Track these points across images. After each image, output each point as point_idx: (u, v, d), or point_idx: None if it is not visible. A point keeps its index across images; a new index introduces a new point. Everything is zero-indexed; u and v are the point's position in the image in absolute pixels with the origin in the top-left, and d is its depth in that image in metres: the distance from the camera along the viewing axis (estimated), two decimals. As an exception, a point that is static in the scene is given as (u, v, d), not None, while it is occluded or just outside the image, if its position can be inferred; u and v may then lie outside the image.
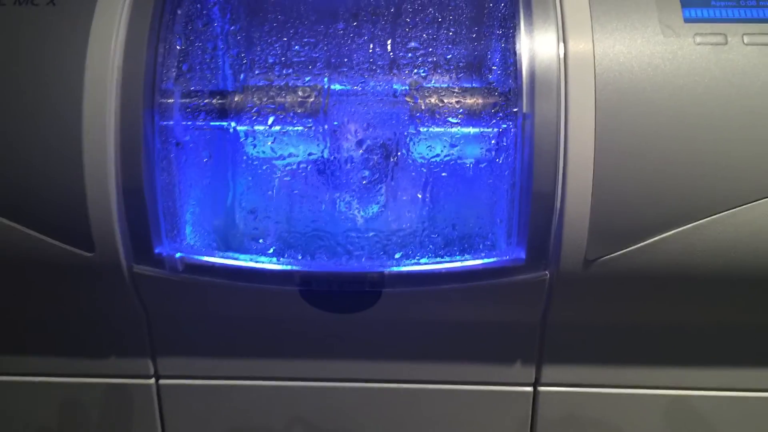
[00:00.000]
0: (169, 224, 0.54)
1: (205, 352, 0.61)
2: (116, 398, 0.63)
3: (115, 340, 0.61)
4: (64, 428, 0.65)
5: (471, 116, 0.53)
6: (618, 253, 0.51)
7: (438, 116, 0.54)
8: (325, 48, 0.56)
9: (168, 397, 0.63)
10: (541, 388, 0.61)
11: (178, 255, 0.54)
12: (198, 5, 0.55)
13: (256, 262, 0.55)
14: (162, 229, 0.53)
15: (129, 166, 0.51)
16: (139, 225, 0.53)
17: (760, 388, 0.61)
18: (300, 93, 0.55)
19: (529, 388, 0.61)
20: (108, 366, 0.62)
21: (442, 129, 0.54)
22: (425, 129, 0.55)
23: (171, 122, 0.53)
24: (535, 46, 0.51)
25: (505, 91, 0.52)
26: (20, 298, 0.59)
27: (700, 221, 0.50)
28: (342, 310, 0.57)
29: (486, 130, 0.53)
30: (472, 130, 0.54)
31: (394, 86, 0.54)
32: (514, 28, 0.52)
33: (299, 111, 0.55)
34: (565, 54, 0.51)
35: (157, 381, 0.62)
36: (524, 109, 0.50)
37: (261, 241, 0.56)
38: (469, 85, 0.55)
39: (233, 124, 0.55)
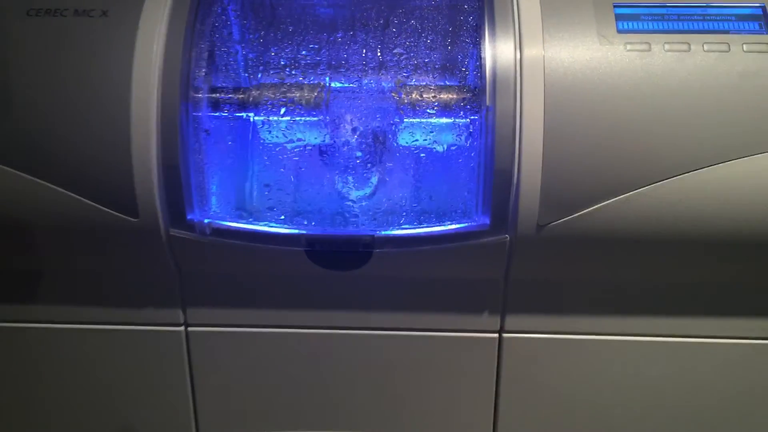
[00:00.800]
0: (199, 196, 0.66)
1: (227, 303, 0.73)
2: (151, 344, 0.75)
3: (150, 293, 0.73)
4: (102, 371, 0.77)
5: (445, 109, 0.65)
6: (564, 219, 0.64)
7: (418, 109, 0.66)
8: (327, 52, 0.68)
9: (195, 343, 0.75)
10: (505, 335, 0.73)
11: (206, 221, 0.66)
12: (223, 17, 0.67)
13: (270, 227, 0.67)
14: (194, 200, 0.66)
15: (167, 148, 0.64)
16: (175, 196, 0.65)
17: (680, 334, 0.73)
18: (306, 89, 0.67)
19: (495, 335, 0.73)
20: (144, 315, 0.74)
21: (422, 119, 0.67)
22: (408, 119, 0.67)
23: (201, 113, 0.66)
24: (497, 52, 0.63)
25: (473, 88, 0.64)
26: (72, 257, 0.71)
27: (629, 193, 0.62)
28: (339, 268, 0.69)
29: (457, 120, 0.65)
30: (446, 120, 0.66)
31: (383, 84, 0.67)
32: (480, 37, 0.64)
33: (305, 104, 0.67)
34: (520, 58, 0.63)
35: (186, 329, 0.74)
36: (488, 103, 0.63)
37: (274, 210, 0.68)
38: (444, 84, 0.67)
39: (251, 114, 0.68)
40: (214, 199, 0.68)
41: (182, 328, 0.74)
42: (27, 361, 0.77)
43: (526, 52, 0.63)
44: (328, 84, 0.67)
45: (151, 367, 0.76)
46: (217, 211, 0.68)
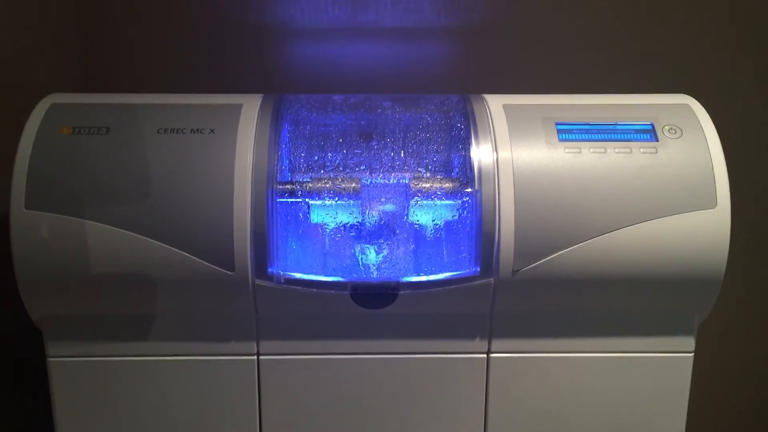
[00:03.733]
0: (276, 255, 0.94)
1: (292, 336, 0.99)
2: (228, 372, 1.00)
3: (232, 330, 0.99)
4: (189, 397, 1.01)
5: (447, 193, 0.96)
6: (532, 265, 0.93)
7: (429, 194, 0.96)
8: (363, 157, 0.99)
9: (265, 370, 1.00)
10: (492, 355, 1.00)
11: (281, 272, 0.94)
12: (295, 133, 0.98)
13: (324, 277, 0.95)
14: (273, 257, 0.94)
15: (257, 220, 0.92)
16: (261, 254, 0.93)
17: (640, 350, 1.01)
18: (347, 183, 0.97)
19: (484, 356, 1.00)
20: (226, 348, 0.99)
21: (431, 201, 0.97)
22: (422, 202, 0.97)
23: (279, 198, 0.95)
24: (480, 154, 0.95)
25: (465, 179, 0.96)
26: (177, 303, 0.97)
27: (574, 246, 0.92)
28: (373, 306, 0.97)
29: (455, 201, 0.96)
30: (447, 201, 0.97)
31: (402, 178, 0.97)
32: (468, 144, 0.96)
33: (346, 193, 0.97)
34: (497, 158, 0.95)
35: (258, 357, 1.00)
36: (476, 187, 0.94)
37: (327, 265, 0.97)
38: (445, 176, 0.98)
39: (314, 200, 0.97)
40: (287, 258, 0.96)
41: (255, 357, 1.00)
42: (133, 389, 1.00)
43: (501, 153, 0.95)
44: (362, 180, 0.98)
45: (229, 392, 1.01)
46: (288, 266, 0.96)
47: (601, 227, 0.93)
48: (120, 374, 1.00)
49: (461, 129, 0.99)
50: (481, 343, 1.00)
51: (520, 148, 0.95)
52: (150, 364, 1.00)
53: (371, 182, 0.97)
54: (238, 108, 0.99)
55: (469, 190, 0.95)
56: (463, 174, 0.96)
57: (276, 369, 1.00)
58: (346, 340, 1.00)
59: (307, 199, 0.96)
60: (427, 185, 0.97)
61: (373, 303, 0.97)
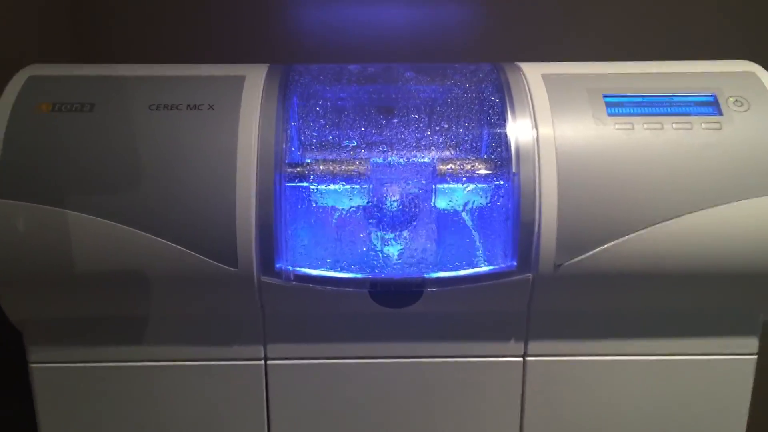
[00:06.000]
0: (285, 249, 0.83)
1: (302, 339, 0.88)
2: (234, 377, 0.90)
3: (237, 331, 0.88)
4: (191, 405, 0.91)
5: (481, 176, 0.84)
6: (577, 258, 0.82)
7: (461, 177, 0.84)
8: (388, 134, 0.87)
9: (273, 375, 0.90)
10: (529, 359, 0.89)
11: (290, 268, 0.83)
12: (305, 108, 0.87)
13: (341, 273, 0.84)
14: (282, 252, 0.82)
15: (263, 210, 0.81)
16: (267, 249, 0.82)
17: (683, 353, 0.90)
18: (362, 165, 0.85)
19: (520, 359, 0.90)
20: (230, 352, 0.89)
21: (464, 186, 0.85)
22: (453, 185, 0.85)
23: (289, 183, 0.83)
24: (518, 131, 0.83)
25: (500, 160, 0.84)
26: (178, 302, 0.86)
27: (627, 236, 0.81)
28: (396, 305, 0.86)
29: (489, 185, 0.84)
30: (482, 185, 0.85)
31: (434, 159, 0.85)
32: (505, 120, 0.84)
33: (370, 176, 0.85)
34: (537, 136, 0.83)
35: (266, 362, 0.89)
36: (514, 170, 0.82)
37: (344, 259, 0.85)
38: (480, 157, 0.86)
39: (327, 184, 0.85)
40: (296, 252, 0.84)
41: (262, 362, 0.89)
42: (131, 397, 0.91)
43: (541, 130, 0.83)
44: (381, 161, 0.86)
45: (235, 400, 0.91)
46: (298, 261, 0.84)
47: (657, 215, 0.81)
48: (110, 381, 0.90)
49: (495, 102, 0.87)
50: (516, 346, 0.89)
51: (563, 124, 0.83)
52: (144, 370, 0.90)
53: (392, 164, 0.85)
54: (240, 80, 0.87)
55: (504, 172, 0.83)
56: (498, 154, 0.84)
57: (285, 375, 0.90)
58: (364, 342, 0.89)
59: (319, 184, 0.85)
60: (457, 167, 0.85)
61: (395, 302, 0.86)
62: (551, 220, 0.81)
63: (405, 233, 0.85)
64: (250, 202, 0.81)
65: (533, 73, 0.88)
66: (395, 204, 0.85)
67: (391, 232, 0.86)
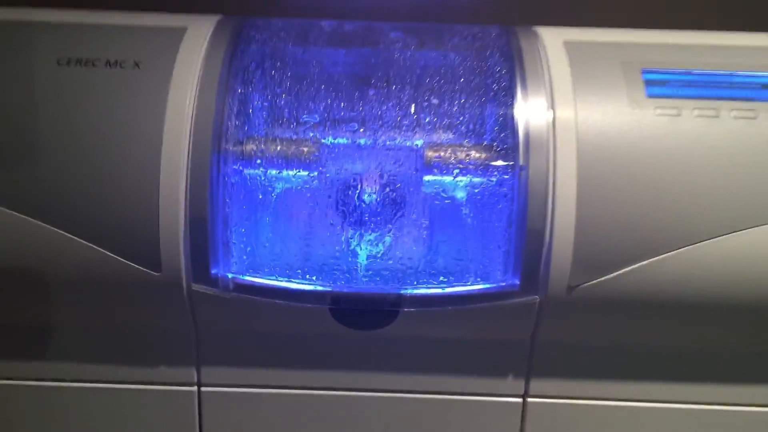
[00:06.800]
0: (224, 250, 0.65)
1: (244, 363, 0.71)
2: (161, 404, 0.72)
3: (165, 350, 0.70)
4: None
5: (476, 167, 0.65)
6: (596, 280, 0.63)
7: (449, 166, 0.66)
8: (358, 109, 0.68)
9: (208, 405, 0.72)
10: (530, 399, 0.71)
11: (230, 275, 0.65)
12: (257, 72, 0.68)
13: (294, 283, 0.66)
14: (219, 254, 0.64)
15: (196, 200, 0.63)
16: (200, 249, 0.63)
17: (722, 402, 0.71)
18: (328, 146, 0.67)
19: (519, 400, 0.71)
20: (156, 374, 0.71)
21: (452, 178, 0.66)
22: (438, 177, 0.67)
23: (230, 166, 0.65)
24: (529, 111, 0.64)
25: (505, 147, 0.65)
26: (87, 311, 0.68)
27: (664, 254, 0.62)
28: (364, 327, 0.68)
29: (489, 178, 0.65)
30: (477, 179, 0.66)
31: (413, 141, 0.67)
32: (512, 97, 0.65)
33: (335, 159, 0.67)
34: (553, 119, 0.64)
35: (199, 389, 0.71)
36: (521, 162, 0.63)
37: (298, 266, 0.67)
38: (475, 142, 0.67)
39: (280, 169, 0.67)
40: (238, 254, 0.66)
41: (195, 388, 0.71)
42: (35, 421, 0.74)
43: (559, 112, 0.64)
44: (353, 142, 0.67)
45: (161, 430, 0.73)
46: (240, 267, 0.66)
47: (706, 229, 0.63)
48: (10, 402, 0.73)
49: (502, 75, 0.68)
50: (515, 383, 0.71)
51: (588, 105, 0.64)
52: (53, 390, 0.73)
53: (364, 147, 0.67)
54: (179, 33, 0.68)
55: (509, 164, 0.64)
56: (502, 141, 0.65)
57: (223, 404, 0.73)
58: (322, 370, 0.72)
59: (271, 169, 0.66)
60: (447, 154, 0.66)
61: (363, 322, 0.68)
62: (567, 228, 0.62)
63: (378, 235, 0.67)
64: (178, 189, 0.63)
65: (553, 40, 0.69)
66: (367, 198, 0.66)
67: (361, 234, 0.67)
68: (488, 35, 0.72)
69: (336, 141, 0.67)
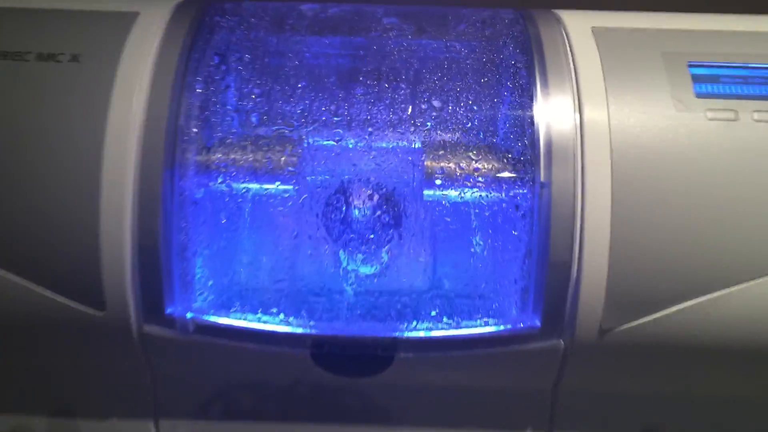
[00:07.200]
0: (181, 284, 0.53)
1: (209, 415, 0.59)
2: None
3: (117, 400, 0.59)
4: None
5: (487, 183, 0.54)
6: (634, 323, 0.52)
7: (453, 180, 0.54)
8: (344, 109, 0.56)
9: (169, 462, 0.61)
10: (552, 460, 0.60)
11: (189, 315, 0.53)
12: (222, 67, 0.56)
13: (267, 323, 0.54)
14: (175, 289, 0.53)
15: (145, 224, 0.51)
16: (152, 284, 0.52)
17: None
18: (306, 156, 0.55)
19: (539, 460, 0.60)
20: (108, 428, 0.60)
21: (458, 193, 0.55)
22: (440, 192, 0.55)
23: (188, 182, 0.53)
24: (552, 115, 0.52)
25: (522, 160, 0.53)
26: (25, 355, 0.57)
27: (716, 293, 0.50)
28: (352, 374, 0.56)
29: (502, 197, 0.54)
30: (488, 195, 0.54)
31: (407, 149, 0.55)
32: (531, 97, 0.53)
33: (315, 169, 0.55)
34: (581, 123, 0.52)
35: (158, 445, 0.60)
36: (542, 178, 0.51)
37: (273, 302, 0.55)
38: (486, 152, 0.55)
39: (249, 184, 0.55)
40: (200, 289, 0.55)
41: (154, 443, 0.60)
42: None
43: (588, 115, 0.52)
44: (336, 151, 0.55)
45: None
46: (202, 304, 0.54)
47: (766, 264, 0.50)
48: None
49: (518, 69, 0.56)
50: (533, 440, 0.59)
51: (624, 107, 0.52)
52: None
53: (355, 157, 0.55)
54: (129, 19, 0.57)
55: (527, 180, 0.53)
56: (519, 150, 0.54)
57: (188, 464, 0.60)
58: (302, 423, 0.59)
59: (240, 183, 0.55)
60: (451, 166, 0.54)
61: (352, 369, 0.56)
62: (599, 260, 0.51)
63: (369, 265, 0.55)
64: (123, 210, 0.51)
65: (579, 26, 0.57)
66: (357, 220, 0.55)
67: (349, 263, 0.55)
68: (501, 21, 0.60)
69: (318, 151, 0.55)
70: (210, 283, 0.55)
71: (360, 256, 0.55)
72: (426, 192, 0.55)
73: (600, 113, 0.52)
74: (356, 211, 0.55)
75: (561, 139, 0.52)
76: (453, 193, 0.55)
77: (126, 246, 0.51)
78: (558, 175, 0.51)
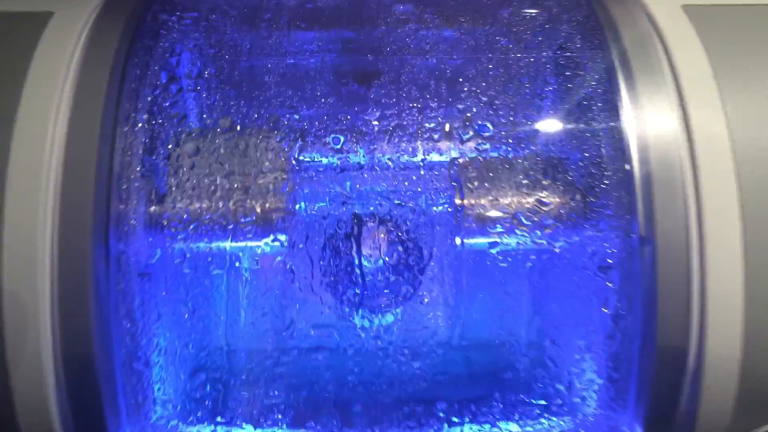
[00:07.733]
0: (130, 397, 0.37)
1: None
2: None
3: None
4: None
5: (558, 237, 0.38)
6: (776, 427, 0.36)
7: (509, 232, 0.38)
8: (344, 126, 0.40)
9: None
10: None
11: (139, 435, 0.38)
12: (172, 85, 0.40)
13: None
14: (120, 406, 0.37)
15: (71, 322, 0.35)
16: (87, 406, 0.36)
17: None
18: (292, 202, 0.39)
19: None
20: None
21: (516, 253, 0.39)
22: (490, 250, 0.39)
23: (132, 246, 0.37)
24: (648, 133, 0.36)
25: (611, 203, 0.37)
26: None
27: None
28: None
29: (583, 258, 0.38)
30: (563, 257, 0.38)
31: (448, 191, 0.39)
32: (614, 107, 0.37)
33: (304, 222, 0.39)
34: (690, 143, 0.36)
35: None
36: (641, 231, 0.35)
37: (257, 412, 0.40)
38: (549, 188, 0.39)
39: (219, 244, 0.39)
40: (158, 401, 0.39)
41: None
42: None
43: (699, 129, 0.36)
44: (346, 187, 0.40)
45: None
46: (161, 422, 0.39)
47: None
48: None
49: (589, 69, 0.40)
50: None
51: (748, 112, 0.36)
52: None
53: (365, 197, 0.39)
54: (41, 21, 0.40)
55: (618, 233, 0.37)
56: (604, 191, 0.37)
57: None
58: None
59: (204, 242, 0.39)
60: (499, 211, 0.38)
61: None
62: (728, 343, 0.35)
63: (387, 358, 0.40)
64: (37, 305, 0.35)
65: (665, 5, 0.41)
66: (370, 290, 0.39)
67: (357, 362, 0.40)
68: (559, 1, 0.43)
69: (311, 187, 0.40)
70: (173, 390, 0.39)
71: (373, 339, 0.40)
72: (465, 245, 0.39)
73: (717, 127, 0.36)
74: (369, 281, 0.39)
75: (664, 170, 0.36)
76: (504, 244, 0.39)
77: (47, 351, 0.35)
78: (664, 225, 0.35)
